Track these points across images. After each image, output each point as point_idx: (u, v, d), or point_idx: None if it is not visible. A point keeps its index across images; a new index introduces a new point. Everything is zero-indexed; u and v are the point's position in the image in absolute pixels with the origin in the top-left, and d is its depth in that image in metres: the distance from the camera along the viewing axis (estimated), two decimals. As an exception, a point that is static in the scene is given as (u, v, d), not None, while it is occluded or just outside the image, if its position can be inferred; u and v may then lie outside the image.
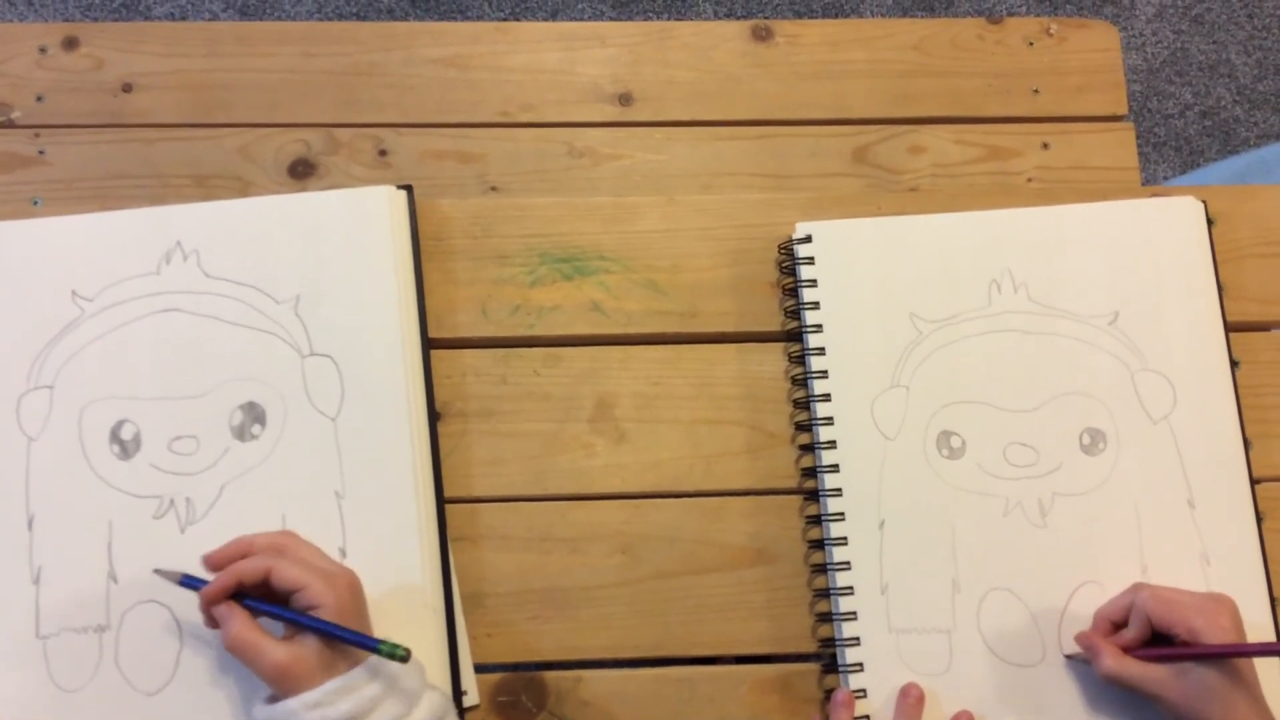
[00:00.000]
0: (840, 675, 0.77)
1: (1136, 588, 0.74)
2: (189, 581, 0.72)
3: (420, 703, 0.68)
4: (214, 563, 0.70)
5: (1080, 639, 0.75)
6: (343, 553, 0.76)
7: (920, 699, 0.75)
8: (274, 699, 0.66)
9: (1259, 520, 0.79)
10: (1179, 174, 1.86)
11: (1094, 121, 1.01)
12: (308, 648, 0.66)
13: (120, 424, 0.78)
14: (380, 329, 0.80)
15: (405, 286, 0.81)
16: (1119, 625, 0.74)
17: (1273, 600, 0.78)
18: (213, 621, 0.69)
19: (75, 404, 0.78)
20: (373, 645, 0.66)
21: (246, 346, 0.80)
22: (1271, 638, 0.77)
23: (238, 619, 0.67)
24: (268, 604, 0.68)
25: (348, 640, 0.67)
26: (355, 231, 0.81)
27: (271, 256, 0.81)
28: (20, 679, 0.74)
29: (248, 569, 0.68)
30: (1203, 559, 0.78)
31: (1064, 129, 1.00)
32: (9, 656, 0.74)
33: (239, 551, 0.70)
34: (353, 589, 0.70)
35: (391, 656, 0.66)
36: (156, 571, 0.73)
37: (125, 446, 0.78)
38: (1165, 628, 0.71)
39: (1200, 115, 1.88)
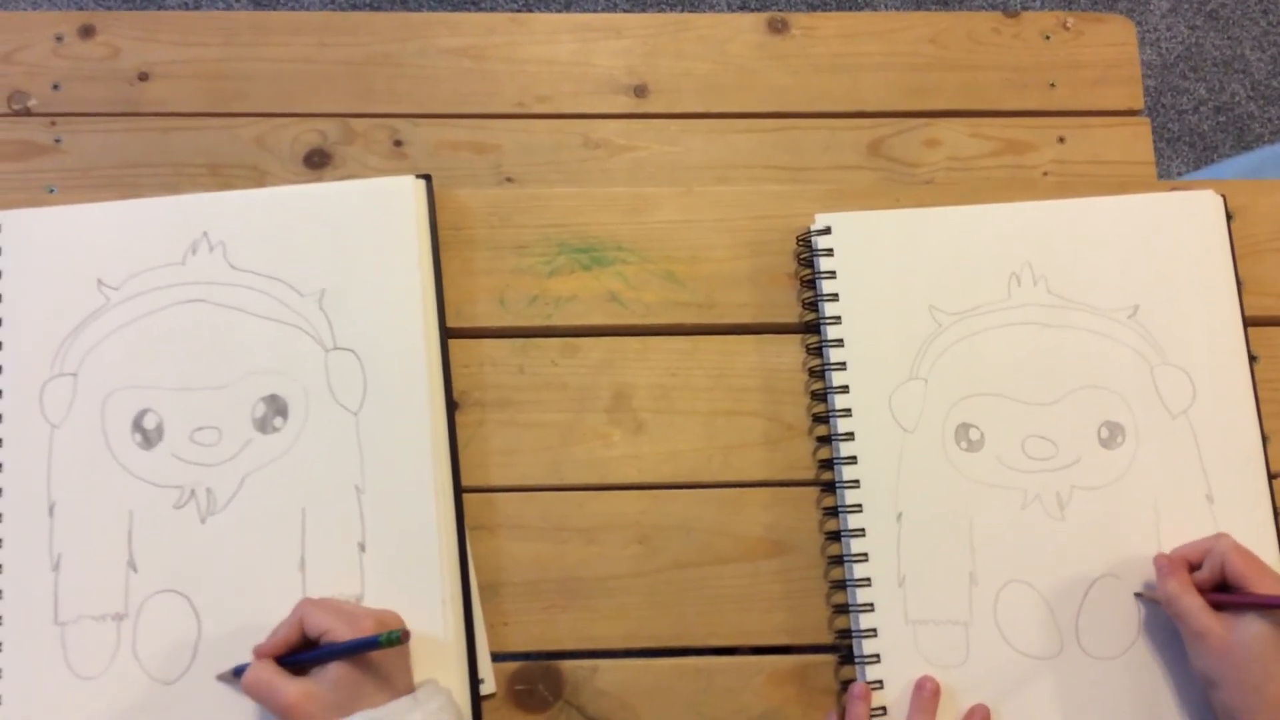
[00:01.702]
0: (857, 666, 0.77)
1: (1219, 536, 0.75)
2: (241, 669, 0.72)
3: None
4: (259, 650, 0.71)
5: (1158, 558, 0.76)
6: (362, 547, 0.76)
7: (935, 692, 0.75)
8: None
9: (1277, 515, 0.79)
10: (1193, 169, 1.86)
11: (1110, 116, 1.01)
12: (321, 685, 0.67)
13: (143, 413, 0.78)
14: (403, 322, 0.80)
15: (427, 278, 0.81)
16: (1194, 567, 0.75)
17: (1290, 594, 0.78)
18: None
19: (98, 392, 0.78)
20: (372, 642, 0.67)
21: (270, 339, 0.80)
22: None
23: (256, 664, 0.69)
24: (285, 658, 0.70)
25: (345, 652, 0.67)
26: (380, 223, 0.81)
27: (296, 248, 0.81)
28: (37, 665, 0.74)
29: (283, 628, 0.70)
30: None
31: (1080, 123, 1.00)
32: (27, 642, 0.74)
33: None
34: (381, 627, 0.70)
35: (389, 643, 0.66)
36: (219, 677, 0.74)
37: (147, 436, 0.78)
38: (1235, 576, 0.71)
39: (1214, 111, 1.88)
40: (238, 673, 0.73)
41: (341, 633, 0.68)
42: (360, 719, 0.65)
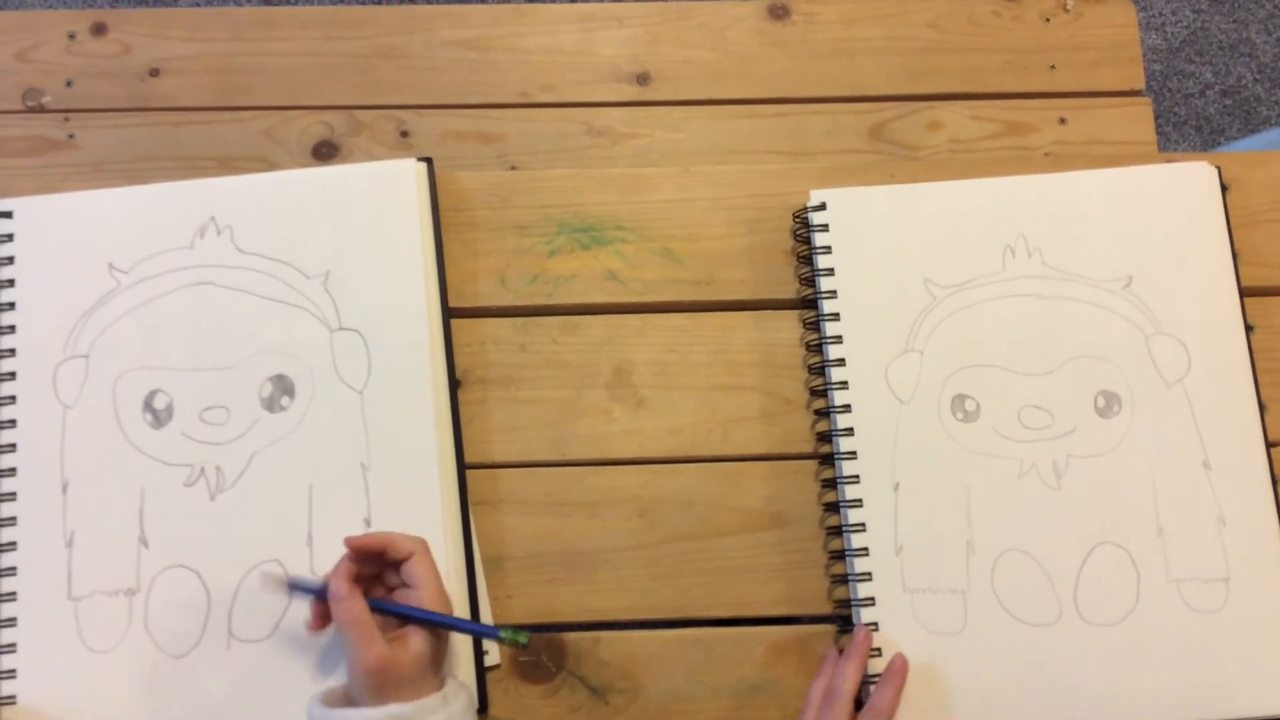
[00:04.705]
0: (856, 636, 0.77)
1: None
2: (297, 585, 0.74)
3: None
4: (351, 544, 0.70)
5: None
6: (367, 522, 0.78)
7: (903, 668, 0.75)
8: (333, 699, 0.68)
9: (1275, 483, 0.79)
10: (1199, 153, 1.85)
11: (1111, 96, 1.01)
12: (408, 654, 0.67)
13: (153, 394, 0.80)
14: (406, 302, 0.81)
15: (429, 259, 0.82)
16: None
17: (1289, 561, 0.78)
18: (319, 621, 0.72)
19: (110, 373, 0.80)
20: (493, 633, 0.67)
21: (277, 320, 0.81)
22: (1289, 598, 0.77)
23: (358, 600, 0.68)
24: (389, 604, 0.70)
25: (463, 629, 0.69)
26: (382, 205, 0.83)
27: (302, 231, 0.83)
28: (51, 639, 0.76)
29: (366, 539, 0.70)
30: (1219, 521, 0.78)
31: (1081, 104, 1.01)
32: (41, 617, 0.76)
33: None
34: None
35: (510, 644, 0.67)
36: (264, 574, 0.75)
37: (158, 415, 0.80)
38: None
39: (1221, 94, 1.87)
40: (305, 588, 0.73)
41: (431, 600, 0.68)
42: (393, 711, 0.65)
